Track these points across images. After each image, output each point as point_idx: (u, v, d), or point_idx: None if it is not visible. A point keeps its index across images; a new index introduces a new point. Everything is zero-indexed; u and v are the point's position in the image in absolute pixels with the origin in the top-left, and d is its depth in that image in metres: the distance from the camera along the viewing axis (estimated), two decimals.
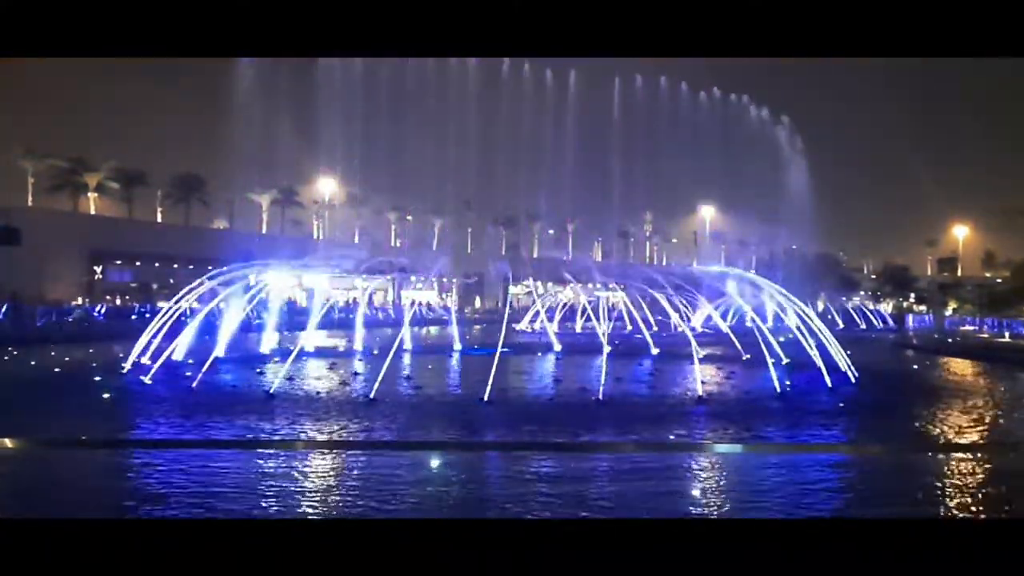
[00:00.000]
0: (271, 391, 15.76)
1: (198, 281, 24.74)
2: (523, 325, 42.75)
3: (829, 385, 17.19)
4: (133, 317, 43.02)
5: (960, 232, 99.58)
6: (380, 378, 15.64)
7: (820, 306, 63.75)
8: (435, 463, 8.97)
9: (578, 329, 40.29)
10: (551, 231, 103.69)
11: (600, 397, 15.03)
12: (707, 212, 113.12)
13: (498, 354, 16.72)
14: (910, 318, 63.64)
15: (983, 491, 8.96)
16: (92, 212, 64.77)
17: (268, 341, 27.51)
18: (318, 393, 16.45)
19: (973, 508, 8.09)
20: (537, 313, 39.72)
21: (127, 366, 19.72)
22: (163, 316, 22.86)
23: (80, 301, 53.95)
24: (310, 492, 8.50)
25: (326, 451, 10.58)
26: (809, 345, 20.35)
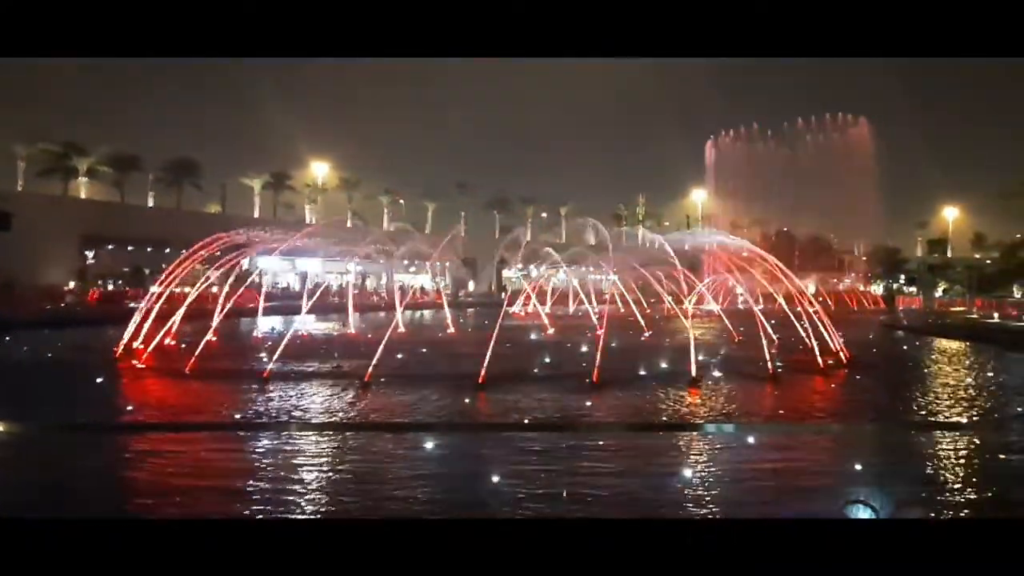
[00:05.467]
0: None
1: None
2: (515, 308, 42.94)
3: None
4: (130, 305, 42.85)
5: (950, 214, 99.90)
6: None
7: (811, 288, 64.07)
8: None
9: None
10: (544, 215, 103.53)
11: None
12: (699, 195, 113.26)
13: None
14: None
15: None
16: (83, 197, 64.43)
17: None
18: None
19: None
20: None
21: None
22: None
23: (72, 285, 53.87)
24: None
25: None
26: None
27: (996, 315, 38.57)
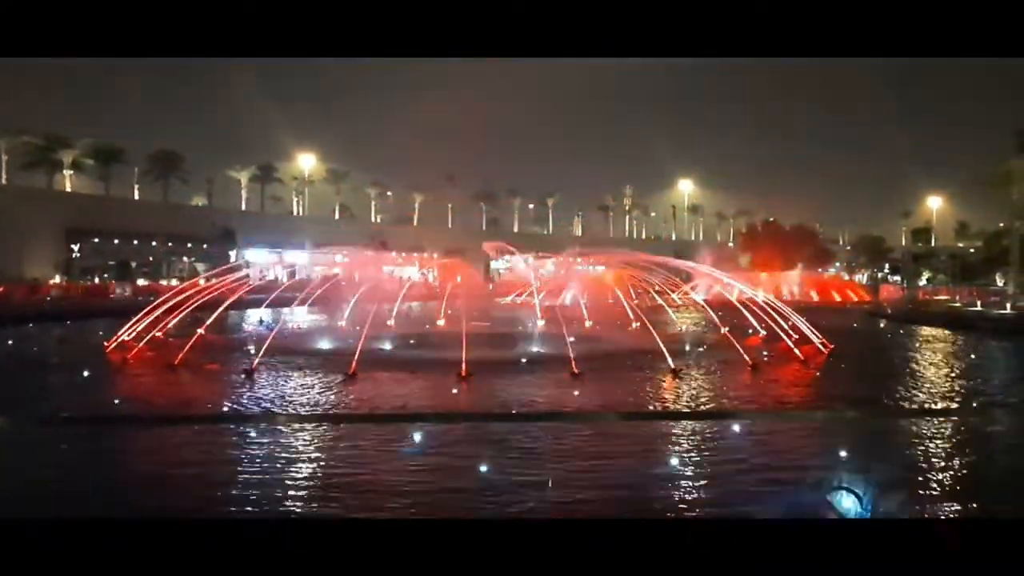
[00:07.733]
0: None
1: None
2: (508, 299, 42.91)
3: None
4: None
5: (934, 203, 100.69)
6: None
7: (795, 277, 64.52)
8: None
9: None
10: (531, 205, 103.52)
11: None
12: (686, 186, 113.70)
13: None
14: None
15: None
16: (68, 190, 63.92)
17: None
18: None
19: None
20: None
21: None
22: None
23: (57, 279, 53.44)
24: None
25: None
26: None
27: (979, 303, 39.02)
